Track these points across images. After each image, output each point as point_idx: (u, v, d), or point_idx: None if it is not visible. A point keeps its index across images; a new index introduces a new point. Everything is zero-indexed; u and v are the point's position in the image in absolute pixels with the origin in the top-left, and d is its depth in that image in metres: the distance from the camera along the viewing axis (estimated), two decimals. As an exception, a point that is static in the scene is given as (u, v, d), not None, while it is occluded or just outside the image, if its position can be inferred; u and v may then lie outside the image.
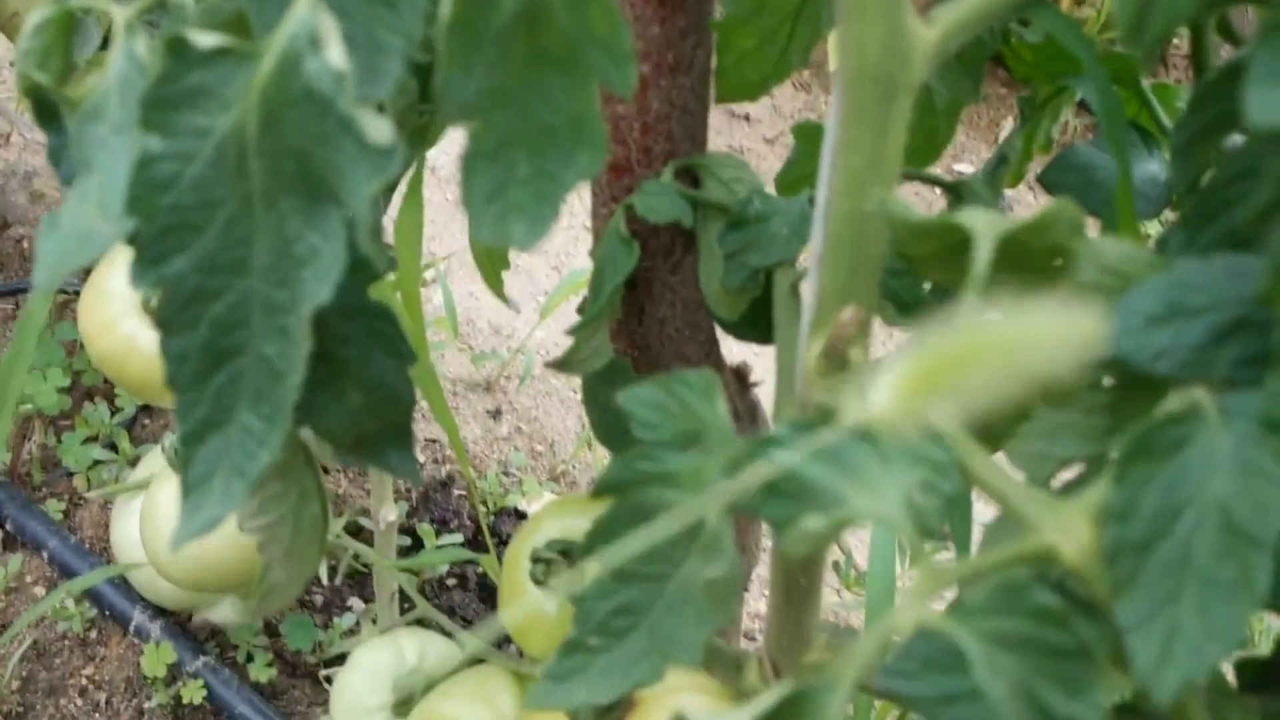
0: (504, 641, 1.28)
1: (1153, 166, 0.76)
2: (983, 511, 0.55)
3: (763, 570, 1.52)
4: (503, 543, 1.56)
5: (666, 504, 0.44)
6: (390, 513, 1.17)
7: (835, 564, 1.67)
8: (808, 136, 0.81)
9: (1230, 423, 0.35)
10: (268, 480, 0.62)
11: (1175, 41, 2.64)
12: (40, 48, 0.50)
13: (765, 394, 0.76)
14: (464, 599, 1.53)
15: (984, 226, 0.40)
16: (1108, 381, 0.44)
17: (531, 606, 0.84)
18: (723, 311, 0.72)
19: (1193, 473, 0.35)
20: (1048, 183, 0.77)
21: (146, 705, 1.38)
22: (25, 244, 1.70)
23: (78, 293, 1.48)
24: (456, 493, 1.63)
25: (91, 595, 1.43)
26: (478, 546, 1.56)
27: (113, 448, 1.53)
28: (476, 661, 1.06)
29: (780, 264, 0.66)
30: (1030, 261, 0.43)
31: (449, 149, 1.84)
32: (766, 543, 1.22)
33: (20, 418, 1.51)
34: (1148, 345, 0.38)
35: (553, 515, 0.86)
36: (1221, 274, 0.39)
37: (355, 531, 1.48)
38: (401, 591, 1.28)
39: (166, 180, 0.39)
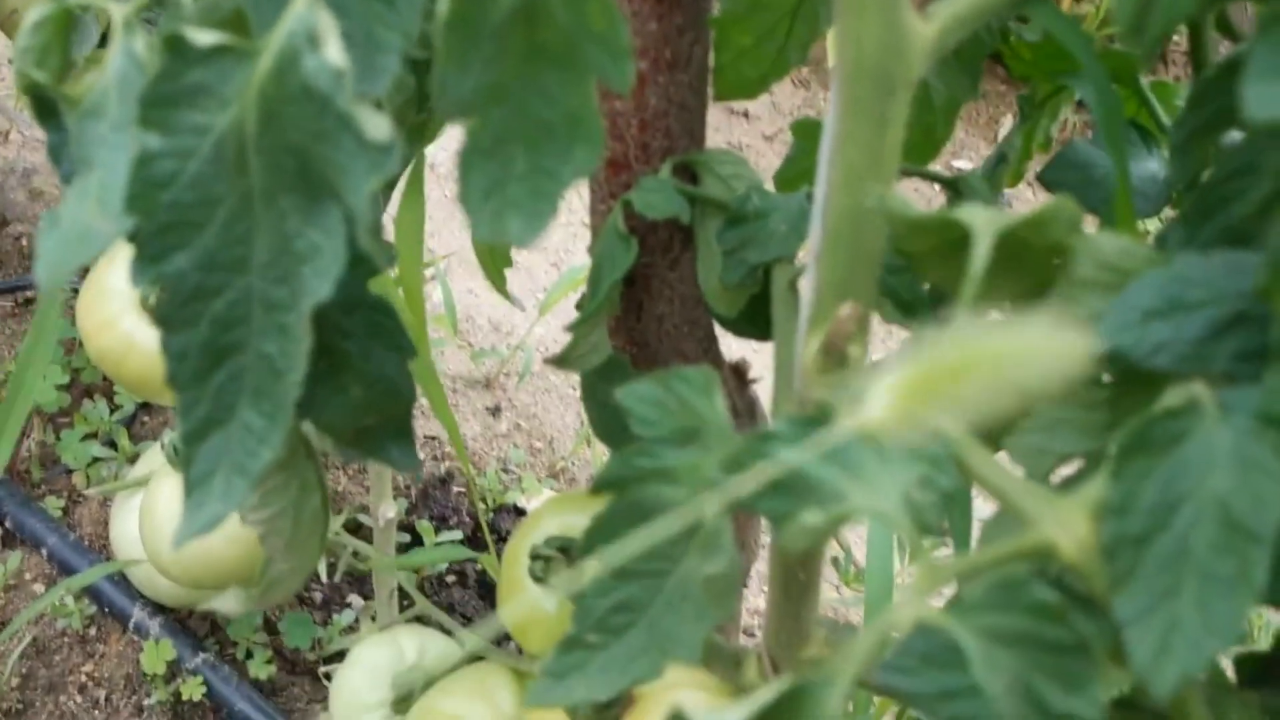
0: (503, 639, 1.28)
1: (1152, 165, 0.76)
2: (982, 508, 0.55)
3: (762, 566, 1.52)
4: (502, 540, 1.56)
5: (665, 500, 0.44)
6: (389, 510, 1.17)
7: (834, 560, 1.67)
8: (806, 133, 0.81)
9: (1229, 417, 0.35)
10: (269, 474, 0.62)
11: (1175, 39, 2.64)
12: (39, 45, 0.50)
13: (764, 390, 0.76)
14: (463, 596, 1.53)
15: (983, 222, 0.40)
16: (1107, 377, 0.44)
17: (530, 603, 0.84)
18: (721, 308, 0.72)
19: (1191, 467, 0.35)
20: (1047, 181, 0.77)
21: (146, 702, 1.38)
22: (24, 241, 1.70)
23: (76, 290, 1.48)
24: (456, 490, 1.63)
25: (91, 592, 1.43)
26: (477, 544, 1.56)
27: (112, 445, 1.53)
28: (476, 659, 1.06)
29: (779, 260, 0.66)
30: (1029, 257, 0.43)
31: (448, 146, 1.84)
32: (765, 539, 1.22)
33: (19, 415, 1.51)
34: (1146, 340, 0.38)
35: (552, 512, 0.86)
36: (1220, 269, 0.39)
37: (354, 529, 1.48)
38: (401, 589, 1.28)
39: (166, 178, 0.39)
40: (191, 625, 1.43)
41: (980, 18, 0.40)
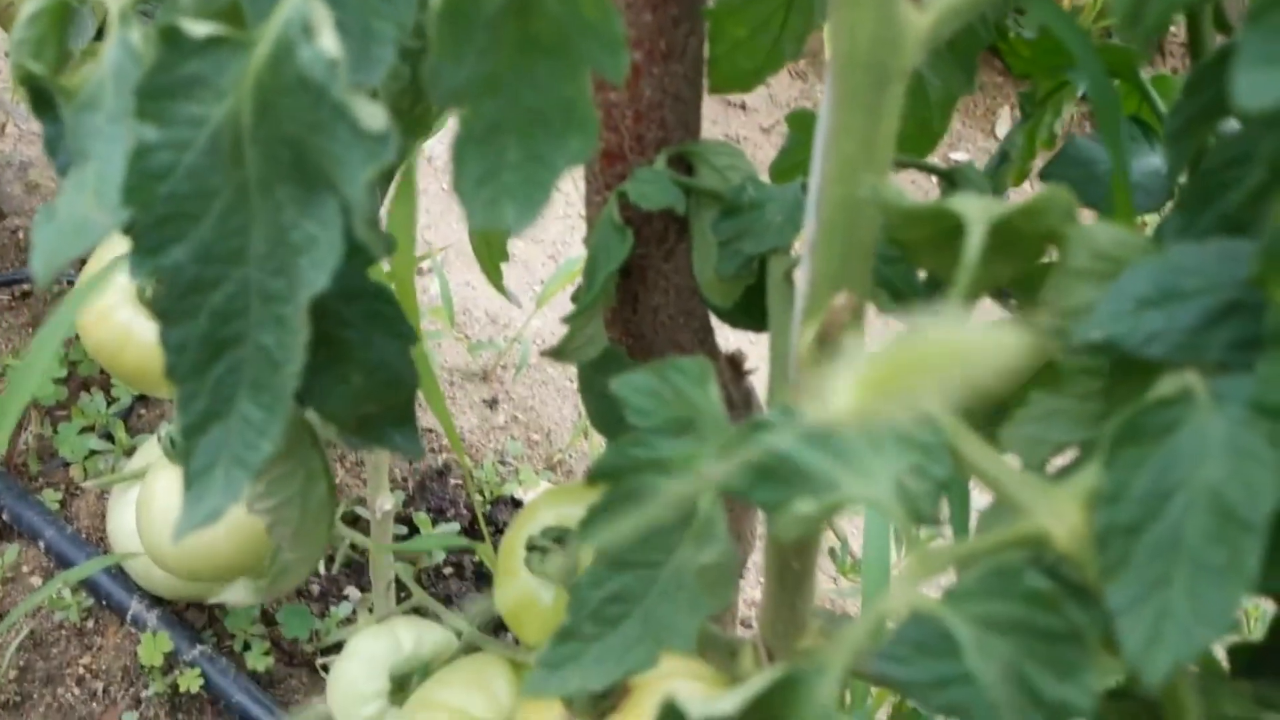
0: (500, 630, 1.28)
1: (1154, 160, 0.76)
2: (981, 499, 0.55)
3: (758, 558, 1.53)
4: (499, 531, 1.57)
5: (660, 490, 0.45)
6: (386, 502, 1.17)
7: (831, 551, 1.67)
8: (802, 124, 0.81)
9: (1222, 406, 0.35)
10: (274, 462, 0.62)
11: (1172, 30, 2.64)
12: (35, 37, 0.50)
13: (760, 381, 0.76)
14: (460, 588, 1.53)
15: (976, 211, 0.40)
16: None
17: (527, 594, 0.84)
18: (717, 299, 0.72)
19: (1184, 456, 0.35)
20: (1048, 178, 0.77)
21: (144, 694, 1.39)
22: (21, 234, 1.70)
23: (72, 283, 1.48)
24: (453, 482, 1.63)
25: (88, 585, 1.43)
26: (474, 535, 1.56)
27: (109, 438, 1.53)
28: (473, 650, 1.06)
29: (774, 251, 0.66)
30: (1023, 247, 0.43)
31: (445, 138, 1.84)
32: (762, 530, 1.22)
33: (16, 408, 1.51)
34: (1140, 329, 0.38)
35: (548, 503, 0.86)
36: (1214, 257, 0.39)
37: (352, 521, 1.48)
38: (398, 580, 1.28)
39: (162, 169, 0.39)
40: (189, 617, 1.44)
41: (975, 8, 0.40)
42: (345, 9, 0.37)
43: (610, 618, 0.47)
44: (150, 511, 1.15)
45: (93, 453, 1.52)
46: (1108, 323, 0.39)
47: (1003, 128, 2.51)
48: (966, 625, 0.36)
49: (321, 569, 1.49)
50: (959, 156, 2.49)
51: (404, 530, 1.53)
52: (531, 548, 0.83)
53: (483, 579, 1.55)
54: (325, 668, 1.38)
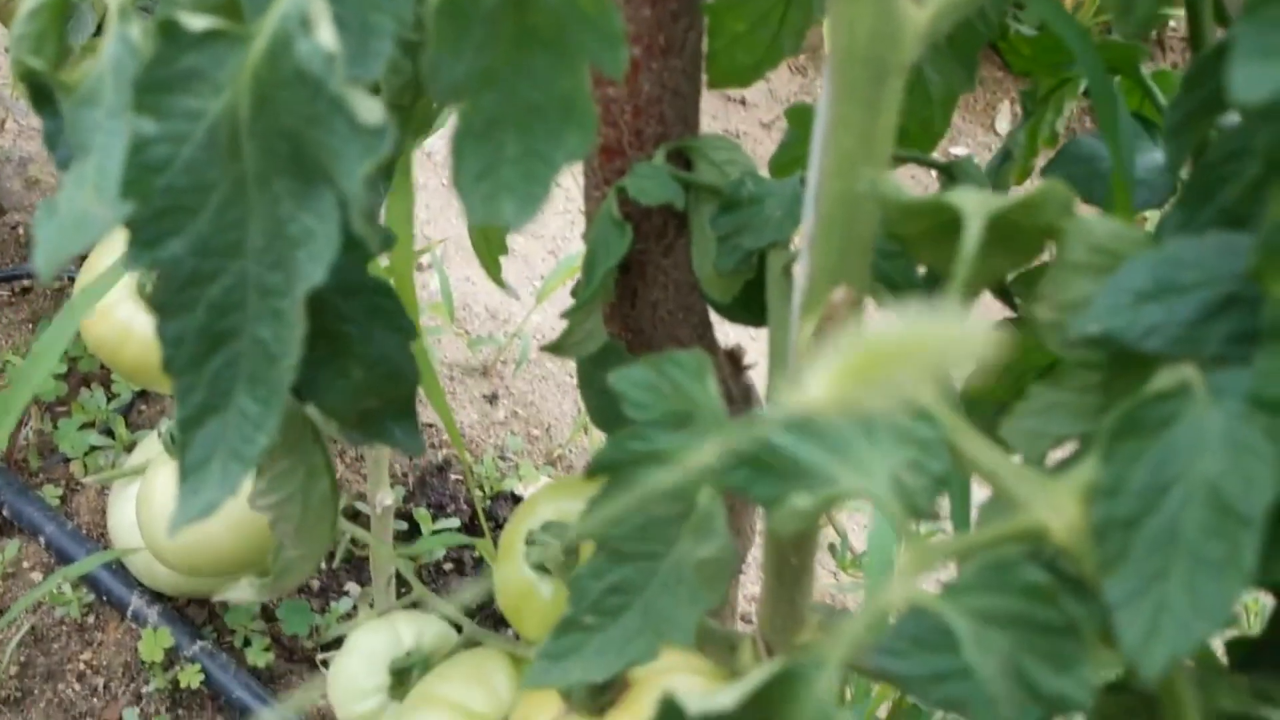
0: (500, 624, 1.28)
1: (1157, 156, 0.76)
2: (981, 494, 0.55)
3: (758, 553, 1.53)
4: (499, 527, 1.57)
5: (658, 484, 0.45)
6: (386, 497, 1.17)
7: (831, 546, 1.67)
8: (801, 119, 0.81)
9: (1220, 400, 0.35)
10: (276, 458, 0.62)
11: (1173, 25, 2.63)
12: (35, 32, 0.50)
13: (760, 376, 0.76)
14: (460, 583, 1.53)
15: (974, 205, 0.40)
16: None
17: (526, 588, 0.84)
18: (716, 294, 0.72)
19: (1181, 449, 0.35)
20: (1050, 175, 0.77)
21: (144, 690, 1.39)
22: (20, 230, 1.70)
23: (73, 279, 1.48)
24: (453, 477, 1.63)
25: (89, 580, 1.43)
26: (474, 531, 1.56)
27: (109, 433, 1.54)
28: (473, 644, 1.06)
29: (773, 246, 0.66)
30: (1021, 241, 0.43)
31: (445, 134, 1.84)
32: (762, 525, 1.22)
33: (17, 404, 1.51)
34: (1138, 323, 0.38)
35: (548, 498, 0.86)
36: (1212, 250, 0.39)
37: (352, 516, 1.48)
38: (398, 576, 1.29)
39: (160, 163, 0.39)
40: (189, 613, 1.44)
41: (973, 3, 0.40)
42: (343, 3, 0.37)
43: (611, 609, 0.47)
44: (151, 507, 1.15)
45: (93, 448, 1.52)
46: (1105, 316, 0.39)
47: (1003, 123, 2.51)
48: (964, 619, 0.36)
49: (322, 564, 1.49)
50: (959, 151, 2.49)
51: (404, 526, 1.53)
52: (531, 542, 0.83)
53: (483, 574, 1.55)
54: (325, 663, 1.38)
